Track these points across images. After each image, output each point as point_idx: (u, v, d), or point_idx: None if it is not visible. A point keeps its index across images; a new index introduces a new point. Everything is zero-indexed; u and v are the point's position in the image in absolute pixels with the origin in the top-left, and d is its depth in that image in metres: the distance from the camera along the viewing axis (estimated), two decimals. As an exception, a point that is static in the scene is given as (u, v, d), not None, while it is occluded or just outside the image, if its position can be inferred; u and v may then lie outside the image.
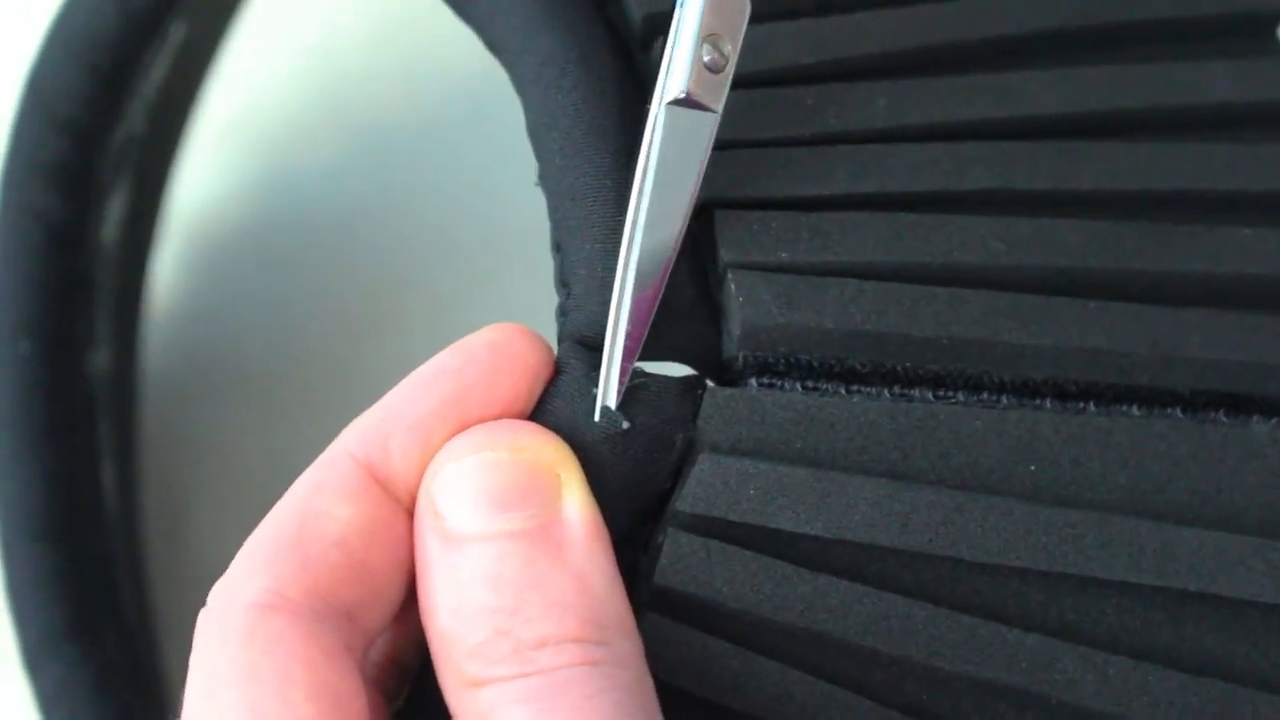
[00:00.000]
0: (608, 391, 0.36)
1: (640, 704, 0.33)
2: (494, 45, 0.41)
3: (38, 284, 0.54)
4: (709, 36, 0.37)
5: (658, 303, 0.37)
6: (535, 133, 0.39)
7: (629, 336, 0.36)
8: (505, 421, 0.36)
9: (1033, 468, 0.37)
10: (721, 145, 0.38)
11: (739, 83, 0.38)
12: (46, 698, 0.53)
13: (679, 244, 0.37)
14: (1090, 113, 0.40)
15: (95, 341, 0.58)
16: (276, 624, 0.34)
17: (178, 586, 0.62)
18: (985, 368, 0.38)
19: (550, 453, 0.36)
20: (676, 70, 0.37)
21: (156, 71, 0.56)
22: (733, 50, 0.37)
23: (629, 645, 0.34)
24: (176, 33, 0.55)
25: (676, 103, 0.37)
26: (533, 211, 0.61)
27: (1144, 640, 0.37)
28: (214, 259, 0.67)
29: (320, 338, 0.65)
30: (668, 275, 0.37)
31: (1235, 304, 0.39)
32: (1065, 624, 0.37)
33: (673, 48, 0.37)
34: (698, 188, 0.37)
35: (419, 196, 0.66)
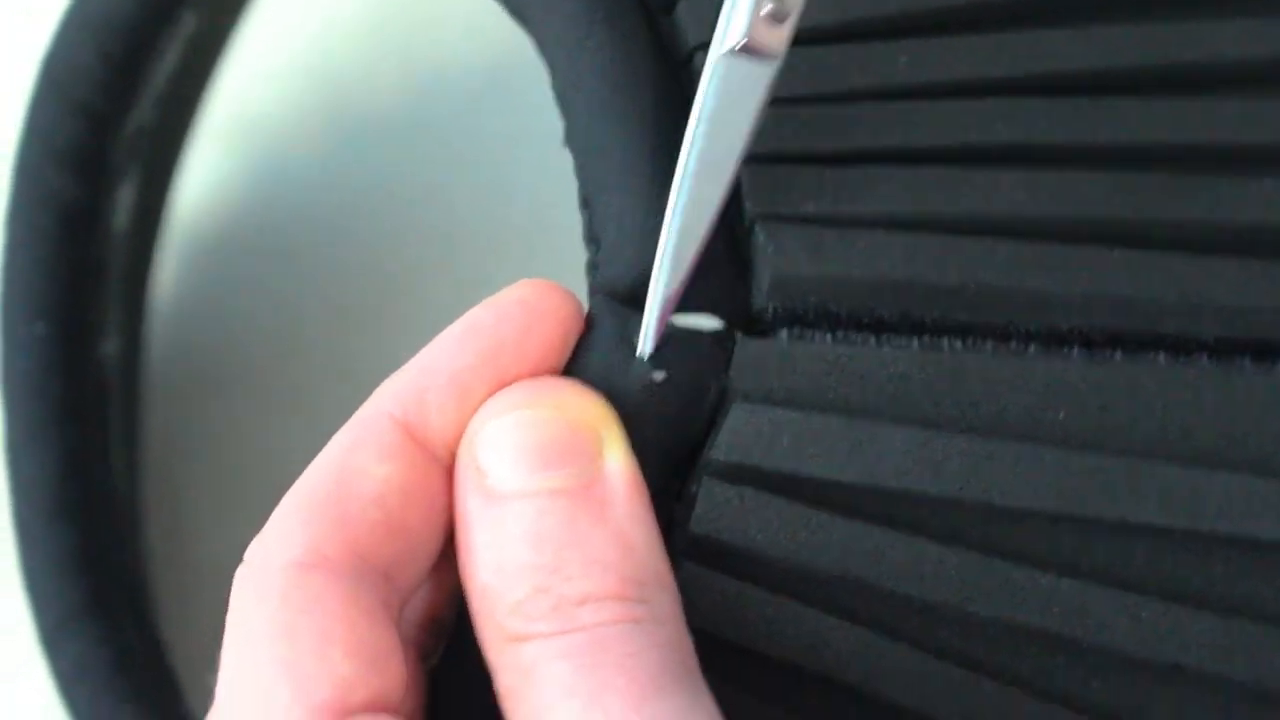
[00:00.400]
0: (647, 339, 0.37)
1: (680, 659, 0.34)
2: (517, 11, 0.41)
3: (53, 267, 0.55)
4: None
5: (701, 254, 0.37)
6: (562, 93, 0.39)
7: (671, 287, 0.37)
8: (547, 379, 0.36)
9: (1061, 415, 0.37)
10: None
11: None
12: (66, 677, 0.53)
13: (726, 196, 0.37)
14: (1110, 69, 0.40)
15: (107, 328, 0.58)
16: (314, 582, 0.34)
17: (176, 577, 0.62)
18: (1012, 317, 0.38)
19: (592, 411, 0.36)
20: (737, 18, 0.37)
21: (168, 61, 0.56)
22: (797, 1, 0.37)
23: (669, 602, 0.35)
24: (187, 23, 0.55)
25: (733, 52, 0.37)
26: (536, 208, 0.62)
27: (1174, 583, 0.37)
28: (215, 254, 0.67)
29: (321, 332, 0.65)
30: (713, 227, 0.37)
31: (1259, 253, 0.39)
32: (1097, 568, 0.37)
33: None
34: (750, 140, 0.37)
35: (421, 193, 0.66)
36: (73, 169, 0.54)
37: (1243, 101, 0.40)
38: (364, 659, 0.33)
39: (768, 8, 0.36)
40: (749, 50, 0.37)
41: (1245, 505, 0.37)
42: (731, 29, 0.37)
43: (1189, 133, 0.40)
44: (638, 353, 0.37)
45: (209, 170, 0.67)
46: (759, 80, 0.37)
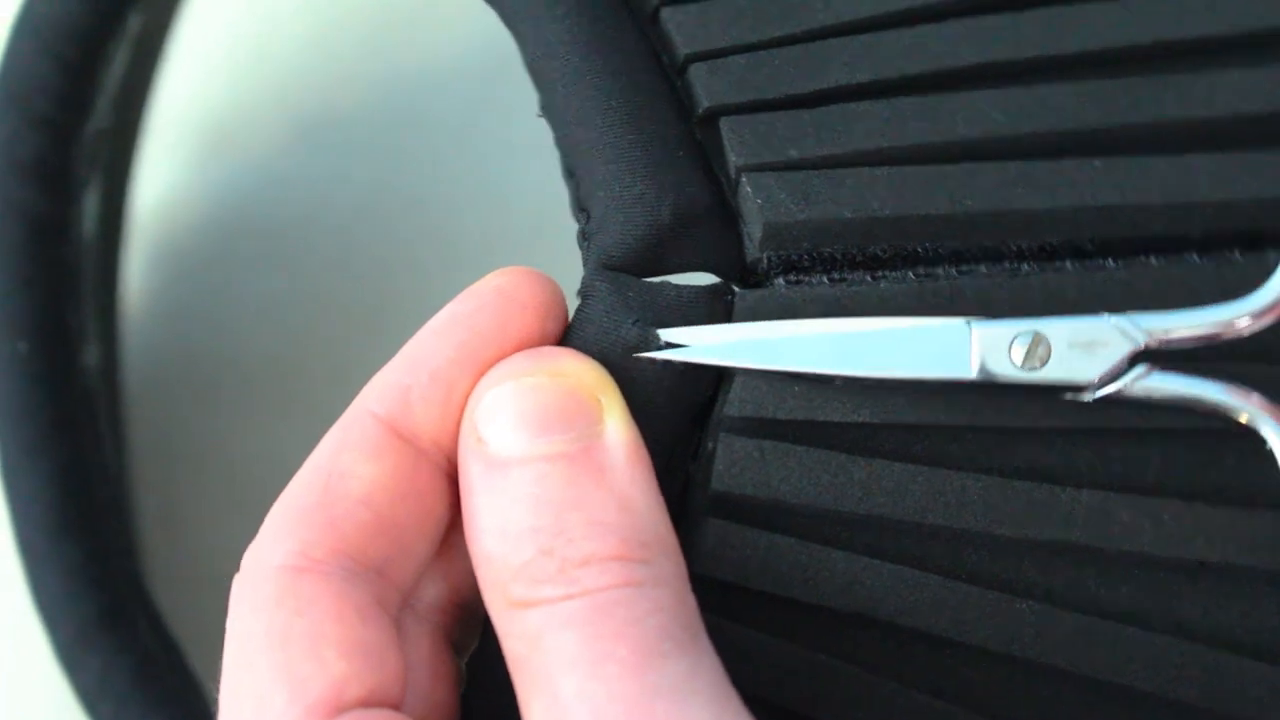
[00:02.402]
0: None
1: (683, 623, 0.34)
2: (480, -15, 0.41)
3: (28, 281, 0.54)
4: None
5: None
6: (534, 64, 0.39)
7: None
8: (545, 348, 0.37)
9: None
10: (716, 53, 0.39)
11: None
12: (89, 692, 0.53)
13: None
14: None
15: (86, 338, 0.58)
16: (307, 585, 0.34)
17: (174, 581, 0.62)
18: (1003, 238, 0.38)
19: (590, 376, 0.36)
20: None
21: (118, 63, 0.56)
22: None
23: (670, 564, 0.35)
24: (133, 24, 0.55)
25: None
26: (518, 207, 0.61)
27: (1192, 483, 0.38)
28: (188, 256, 0.66)
29: (303, 332, 0.65)
30: None
31: (1236, 145, 0.39)
32: (1115, 477, 0.38)
33: None
34: None
35: (394, 191, 0.66)
36: (38, 181, 0.54)
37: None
38: (358, 656, 0.34)
39: None
40: None
41: None
42: None
43: (1151, 30, 0.40)
44: None
45: (171, 172, 0.67)
46: None
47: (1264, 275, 0.37)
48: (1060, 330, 0.36)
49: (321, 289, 0.65)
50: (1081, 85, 0.39)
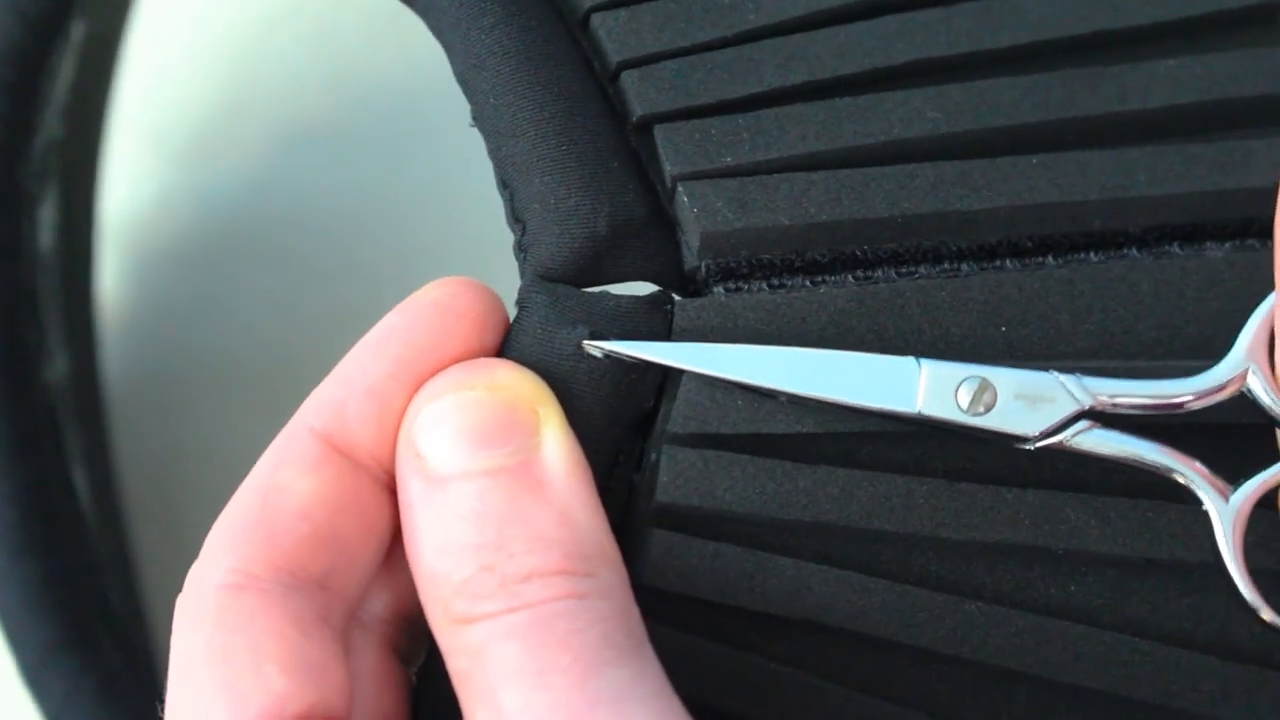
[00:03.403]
0: None
1: (626, 632, 0.34)
2: (409, -1, 0.41)
3: (-20, 304, 0.54)
4: None
5: None
6: (464, 75, 0.39)
7: None
8: (481, 360, 0.37)
9: (1004, 329, 0.38)
10: (647, 59, 0.39)
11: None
12: (54, 713, 0.53)
13: None
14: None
15: (48, 350, 0.58)
16: (246, 602, 0.34)
17: (164, 589, 0.62)
18: (942, 238, 0.38)
19: (527, 388, 0.36)
20: None
21: (64, 73, 0.56)
22: None
23: (613, 576, 0.35)
24: (77, 31, 0.55)
25: None
26: (491, 204, 0.61)
27: (1136, 481, 0.38)
28: (161, 260, 0.66)
29: (277, 336, 0.65)
30: None
31: (1172, 136, 0.39)
32: (1059, 475, 0.38)
33: None
34: None
35: (365, 191, 0.66)
36: (-16, 205, 0.54)
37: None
38: (299, 671, 0.34)
39: None
40: None
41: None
42: None
43: (1084, 21, 0.40)
44: None
45: (142, 180, 0.67)
46: None
47: (1202, 269, 0.37)
48: (1008, 380, 0.36)
49: (305, 293, 0.65)
50: (1017, 80, 0.39)
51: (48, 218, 0.59)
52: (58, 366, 0.59)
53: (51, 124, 0.57)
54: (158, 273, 0.66)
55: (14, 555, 0.53)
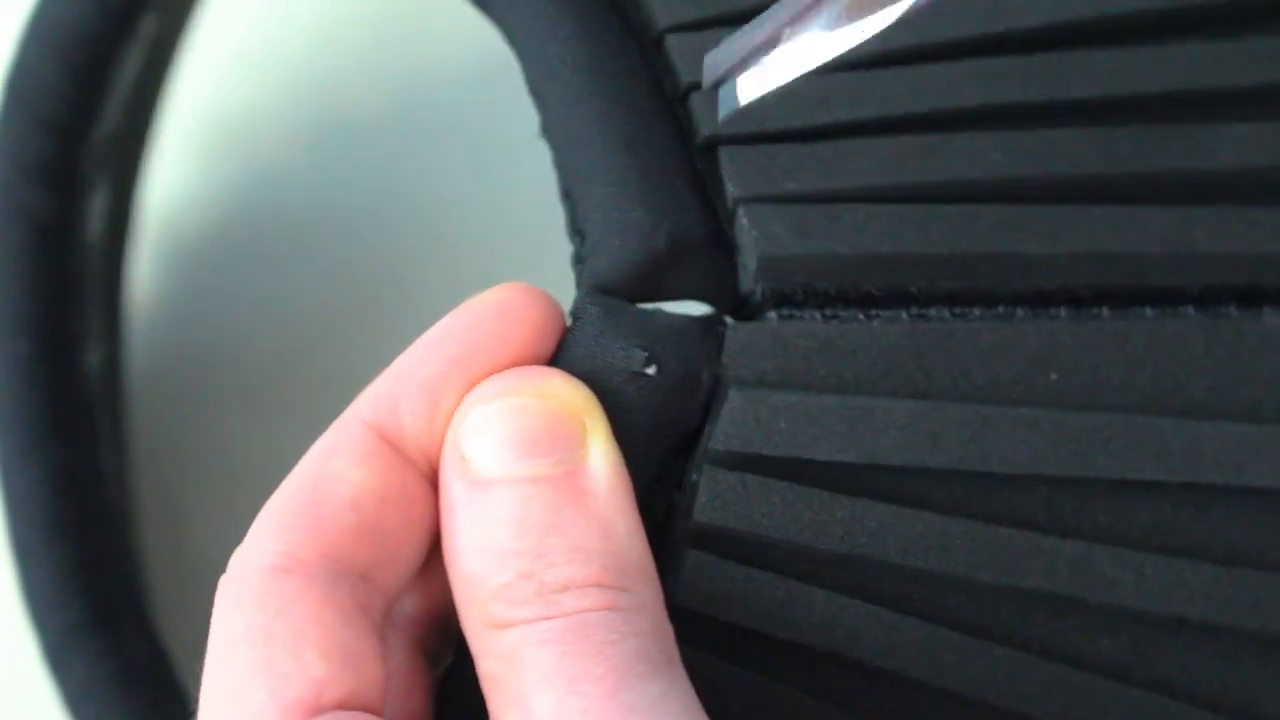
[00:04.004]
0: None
1: (660, 648, 0.34)
2: (484, 5, 0.41)
3: (32, 283, 0.54)
4: None
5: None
6: (535, 86, 0.39)
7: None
8: (533, 368, 0.37)
9: (1054, 376, 0.37)
10: (720, 81, 0.39)
11: (725, 20, 0.39)
12: (73, 695, 0.53)
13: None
14: (1077, 21, 0.40)
15: (89, 339, 0.58)
16: (291, 586, 0.34)
17: (173, 583, 0.62)
18: (998, 281, 0.38)
19: (576, 399, 0.36)
20: None
21: (130, 66, 0.56)
22: None
23: (649, 593, 0.35)
24: (148, 26, 0.55)
25: None
26: (523, 208, 0.61)
27: (1176, 537, 0.37)
28: (196, 256, 0.66)
29: (305, 334, 0.65)
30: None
31: (1237, 198, 0.39)
32: (1098, 528, 0.37)
33: None
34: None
35: (404, 193, 0.66)
36: (44, 184, 0.54)
37: (1211, 44, 0.40)
38: (338, 659, 0.34)
39: None
40: None
41: (1240, 454, 0.37)
42: None
43: (1162, 80, 0.40)
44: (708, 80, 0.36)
45: (190, 173, 0.67)
46: None
47: (1257, 332, 0.37)
48: None
49: (328, 292, 0.65)
50: (1085, 131, 0.39)
51: (99, 207, 0.59)
52: (94, 357, 0.59)
53: (113, 115, 0.57)
54: (186, 269, 0.66)
55: (46, 536, 0.53)
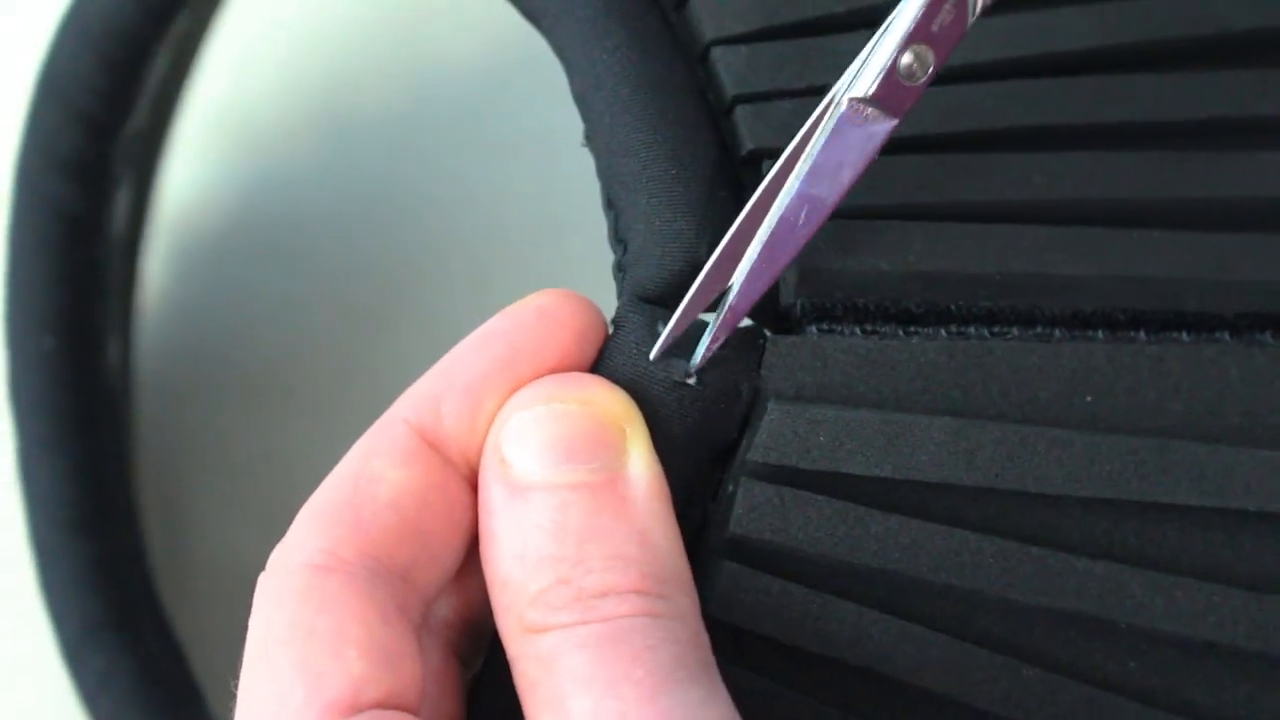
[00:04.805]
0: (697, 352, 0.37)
1: (698, 655, 0.34)
2: (532, 14, 0.41)
3: (58, 279, 0.54)
4: (915, 45, 0.37)
5: (772, 283, 0.37)
6: (582, 94, 0.39)
7: (733, 311, 0.37)
8: (574, 374, 0.37)
9: (1089, 398, 0.38)
10: (762, 96, 0.39)
11: (772, 33, 0.40)
12: (90, 690, 0.53)
13: (812, 233, 0.37)
14: (1123, 45, 0.40)
15: (110, 335, 0.58)
16: (332, 584, 0.34)
17: (176, 579, 0.62)
18: (1037, 301, 0.38)
19: (617, 407, 0.36)
20: (870, 68, 0.37)
21: (160, 64, 0.56)
22: (935, 63, 0.37)
23: (687, 602, 0.35)
24: (179, 24, 0.55)
25: (859, 100, 0.37)
26: (530, 208, 0.61)
27: (1207, 561, 0.38)
28: (209, 254, 0.67)
29: (317, 333, 0.65)
30: (793, 257, 0.37)
31: (1276, 227, 0.39)
32: (1130, 550, 0.38)
33: (875, 44, 0.37)
34: (850, 187, 0.37)
35: (413, 192, 0.66)
36: (75, 178, 0.54)
37: (1256, 72, 0.40)
38: (378, 658, 0.34)
39: (905, 63, 0.37)
40: (872, 102, 0.37)
41: (1273, 481, 0.37)
42: (860, 79, 0.37)
43: (1204, 107, 0.40)
44: (658, 345, 0.37)
45: (201, 171, 0.67)
46: (875, 133, 0.37)
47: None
48: None
49: (338, 290, 0.65)
50: (1127, 155, 0.39)
51: (123, 204, 0.59)
52: (114, 352, 0.59)
53: (141, 112, 0.57)
54: (194, 267, 0.66)
55: (67, 532, 0.53)
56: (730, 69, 0.40)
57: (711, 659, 0.34)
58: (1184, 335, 0.39)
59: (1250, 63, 0.41)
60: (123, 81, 0.53)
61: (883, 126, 0.37)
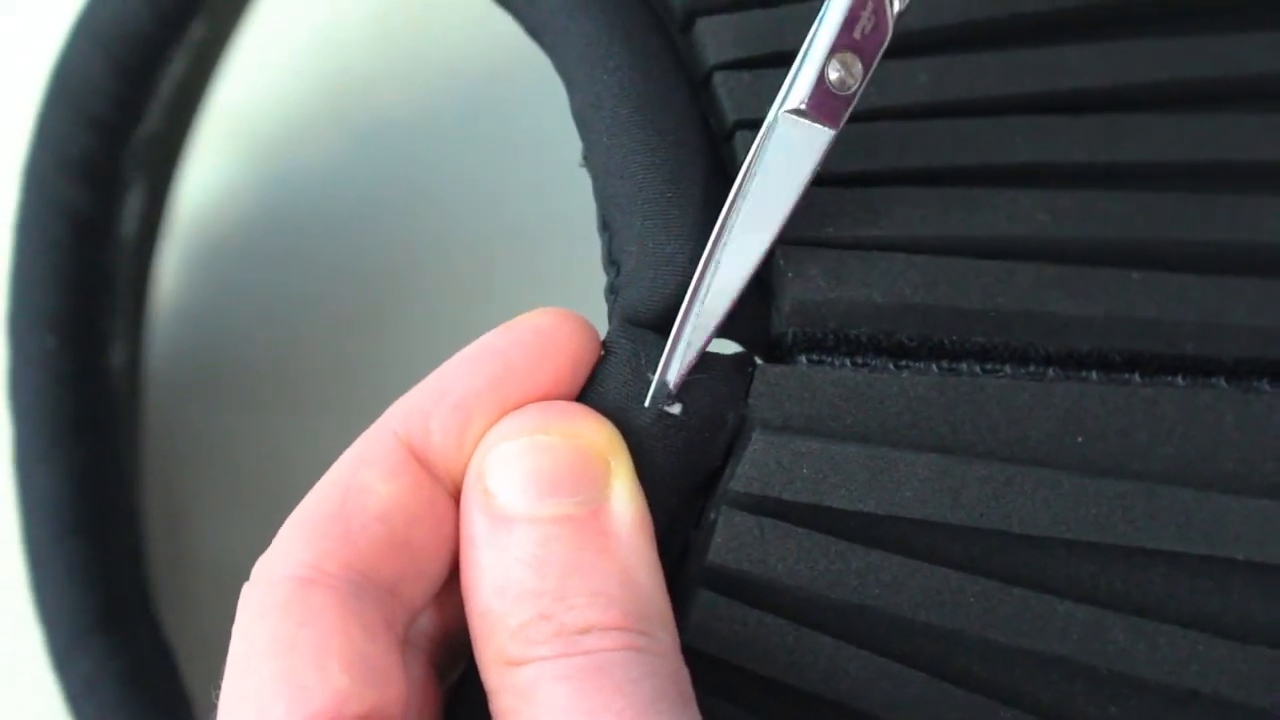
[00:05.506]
0: (666, 377, 0.37)
1: (679, 691, 0.34)
2: (535, 30, 0.41)
3: (63, 278, 0.54)
4: (840, 54, 0.37)
5: (733, 306, 0.37)
6: (581, 113, 0.39)
7: (694, 347, 0.37)
8: (559, 404, 0.36)
9: (1080, 439, 0.37)
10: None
11: (775, 59, 0.39)
12: (75, 694, 0.53)
13: (767, 254, 0.37)
14: (1129, 85, 0.40)
15: (115, 338, 0.58)
16: (315, 597, 0.34)
17: (175, 581, 0.62)
18: (1031, 339, 0.38)
19: (602, 439, 0.36)
20: (801, 80, 0.37)
21: (176, 69, 0.56)
22: (862, 73, 0.37)
23: (668, 637, 0.35)
24: (196, 31, 0.55)
25: (792, 112, 0.37)
26: (536, 212, 0.61)
27: (1192, 609, 0.37)
28: (216, 257, 0.67)
29: (322, 336, 0.65)
30: (746, 286, 0.37)
31: (1277, 273, 0.39)
32: (1115, 594, 0.37)
33: (802, 59, 0.37)
34: (796, 203, 0.37)
35: (424, 197, 0.66)
36: (84, 180, 0.54)
37: (1263, 117, 0.40)
38: (361, 672, 0.33)
39: (834, 75, 0.36)
40: (806, 114, 0.37)
41: (1263, 531, 0.37)
42: (794, 91, 0.37)
43: (1209, 149, 0.40)
44: (652, 388, 0.37)
45: (213, 175, 0.67)
46: (814, 144, 0.37)
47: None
48: None
49: (347, 293, 0.65)
50: (1129, 195, 0.39)
51: (134, 207, 0.59)
52: (119, 355, 0.59)
53: (155, 116, 0.57)
54: (203, 270, 0.66)
55: (59, 533, 0.53)
56: (732, 94, 0.39)
57: (691, 694, 0.34)
58: (1179, 379, 0.38)
59: (1257, 108, 0.40)
60: (134, 85, 0.53)
61: (821, 137, 0.37)
